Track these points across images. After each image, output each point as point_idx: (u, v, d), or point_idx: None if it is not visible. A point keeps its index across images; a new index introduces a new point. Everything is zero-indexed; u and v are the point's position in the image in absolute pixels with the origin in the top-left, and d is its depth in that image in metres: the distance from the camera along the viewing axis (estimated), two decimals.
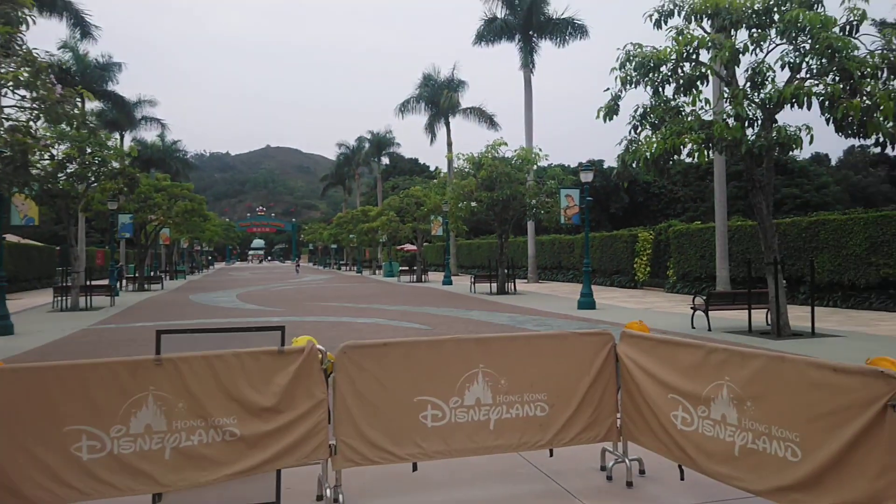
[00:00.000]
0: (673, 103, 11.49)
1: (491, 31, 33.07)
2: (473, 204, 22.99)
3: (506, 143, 23.91)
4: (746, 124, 10.29)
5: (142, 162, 59.85)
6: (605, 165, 47.13)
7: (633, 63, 10.99)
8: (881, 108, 9.44)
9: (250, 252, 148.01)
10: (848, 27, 10.17)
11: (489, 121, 42.12)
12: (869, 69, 9.90)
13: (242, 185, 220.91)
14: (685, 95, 10.70)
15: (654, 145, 10.37)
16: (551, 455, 4.58)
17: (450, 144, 42.54)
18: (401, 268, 42.96)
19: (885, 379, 3.08)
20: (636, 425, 4.46)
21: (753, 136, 10.75)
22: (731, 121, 10.02)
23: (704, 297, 12.81)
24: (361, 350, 4.12)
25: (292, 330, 5.65)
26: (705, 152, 10.20)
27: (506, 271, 24.82)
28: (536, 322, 14.73)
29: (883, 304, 16.15)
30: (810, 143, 11.00)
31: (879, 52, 10.21)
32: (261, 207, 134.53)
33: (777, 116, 11.00)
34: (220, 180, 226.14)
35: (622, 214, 46.27)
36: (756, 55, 10.39)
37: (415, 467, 4.29)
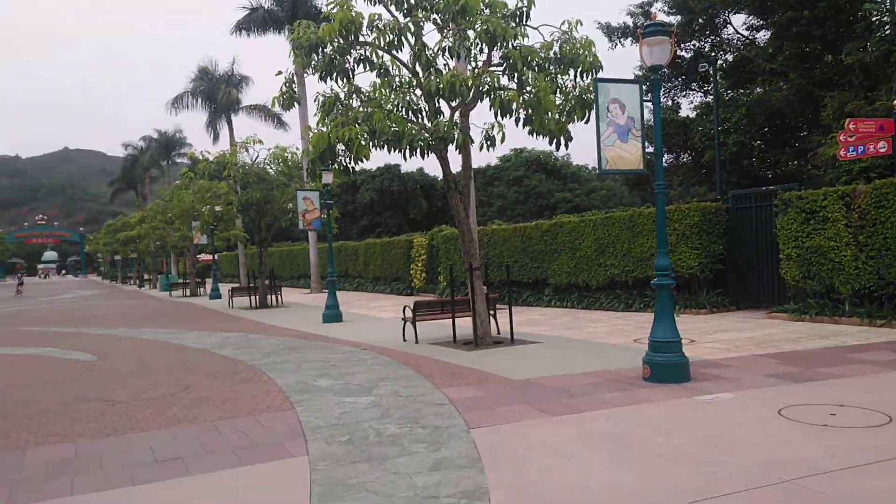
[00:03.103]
0: (368, 92, 10.27)
1: (253, 22, 30.98)
2: (218, 208, 20.66)
3: (261, 142, 21.91)
4: (415, 115, 9.32)
5: None
6: (403, 170, 46.62)
7: (304, 48, 9.58)
8: (543, 102, 8.83)
9: (40, 266, 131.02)
10: (518, 14, 9.55)
11: (276, 119, 39.64)
12: (538, 61, 9.30)
13: (35, 191, 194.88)
14: (343, 81, 9.51)
15: (317, 138, 9.03)
16: None
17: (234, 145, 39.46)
18: (185, 280, 38.89)
19: None
20: None
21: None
22: (395, 111, 8.94)
23: (412, 308, 11.80)
24: None
25: None
26: (369, 146, 9.03)
27: (267, 282, 22.75)
28: (240, 344, 12.89)
29: (611, 304, 16.42)
30: (502, 140, 10.34)
31: (559, 42, 9.69)
32: (41, 216, 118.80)
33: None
34: (7, 186, 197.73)
35: (422, 219, 46.00)
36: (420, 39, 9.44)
37: None
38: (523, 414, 6.28)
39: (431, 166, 52.32)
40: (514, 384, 7.67)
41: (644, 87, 7.85)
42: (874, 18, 12.99)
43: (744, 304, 14.37)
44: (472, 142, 9.81)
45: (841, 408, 5.96)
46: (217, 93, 38.68)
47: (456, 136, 8.84)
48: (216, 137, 41.04)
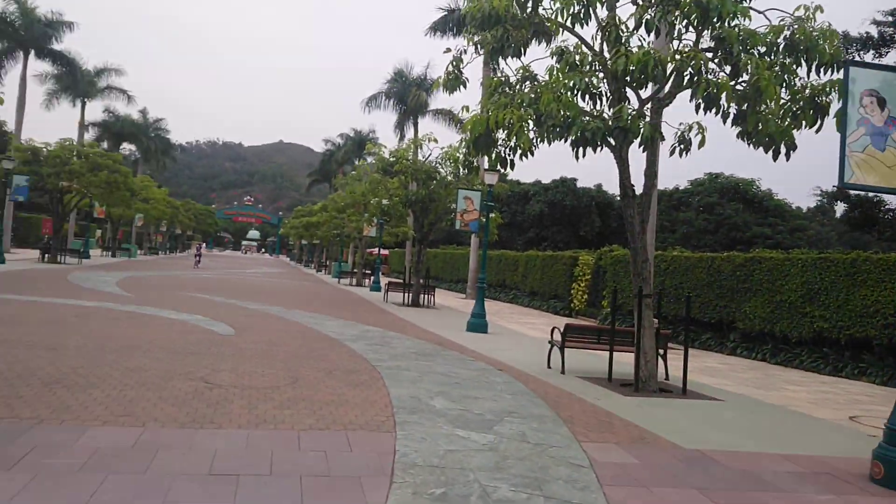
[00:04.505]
0: (544, 79, 8.90)
1: (448, 24, 30.96)
2: (385, 202, 20.49)
3: (435, 140, 21.46)
4: (593, 101, 7.71)
5: (112, 134, 57.98)
6: (579, 185, 44.44)
7: (476, 20, 8.43)
8: (763, 94, 6.83)
9: (244, 242, 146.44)
10: None
11: (460, 125, 39.60)
12: (760, 45, 7.28)
13: (251, 176, 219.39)
14: (516, 57, 8.17)
15: (473, 120, 7.81)
16: None
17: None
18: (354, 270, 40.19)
19: None
20: None
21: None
22: (569, 94, 7.40)
23: (562, 331, 10.14)
24: None
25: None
26: (530, 135, 7.59)
27: (421, 281, 22.21)
28: (374, 341, 12.06)
29: (814, 365, 13.36)
30: (700, 145, 8.40)
31: (790, 28, 7.58)
32: (248, 198, 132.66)
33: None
34: (230, 169, 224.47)
35: (592, 238, 43.49)
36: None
37: None
38: None
39: (610, 183, 49.39)
40: (681, 455, 5.79)
41: None
42: None
43: None
44: (663, 139, 7.99)
45: None
46: (408, 95, 39.52)
47: (641, 127, 7.09)
48: (402, 138, 42.07)
